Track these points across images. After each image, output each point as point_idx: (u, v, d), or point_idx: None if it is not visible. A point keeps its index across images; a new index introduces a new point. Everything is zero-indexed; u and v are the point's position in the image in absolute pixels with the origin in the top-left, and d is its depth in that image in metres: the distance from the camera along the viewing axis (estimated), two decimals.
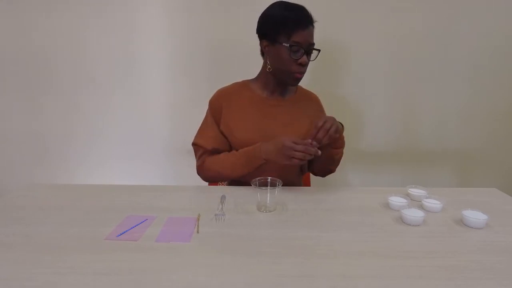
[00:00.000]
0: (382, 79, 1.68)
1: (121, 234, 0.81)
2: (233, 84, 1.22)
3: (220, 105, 1.17)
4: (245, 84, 1.21)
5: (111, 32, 1.66)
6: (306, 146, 0.99)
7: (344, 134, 1.14)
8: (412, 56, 1.65)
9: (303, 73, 1.10)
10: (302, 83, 1.22)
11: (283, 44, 1.05)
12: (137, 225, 0.86)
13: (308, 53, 1.08)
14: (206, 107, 1.22)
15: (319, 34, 1.60)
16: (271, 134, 1.12)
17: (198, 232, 0.83)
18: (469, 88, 1.69)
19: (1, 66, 1.72)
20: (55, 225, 0.86)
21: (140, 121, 1.77)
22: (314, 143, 1.00)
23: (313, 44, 1.09)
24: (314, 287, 0.63)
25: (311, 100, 1.26)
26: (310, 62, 1.10)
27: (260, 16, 1.12)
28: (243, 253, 0.74)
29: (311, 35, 1.07)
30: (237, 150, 1.14)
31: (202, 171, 1.18)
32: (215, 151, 1.17)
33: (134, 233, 0.82)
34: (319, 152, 1.00)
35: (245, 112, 1.16)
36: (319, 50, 1.11)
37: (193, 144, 1.20)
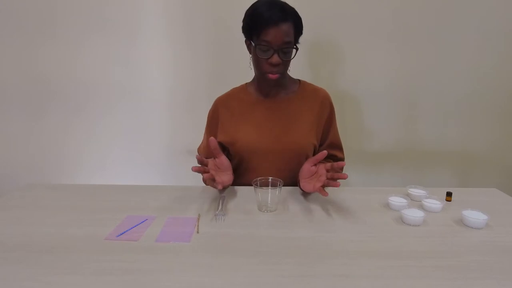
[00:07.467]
0: (383, 79, 1.68)
1: (121, 234, 0.81)
2: (231, 89, 1.22)
3: (217, 115, 1.19)
4: (243, 88, 1.21)
5: (110, 34, 1.66)
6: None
7: (345, 134, 1.14)
8: (413, 56, 1.65)
9: (276, 73, 1.04)
10: (304, 80, 1.22)
11: (255, 43, 1.02)
12: (137, 225, 0.86)
13: (281, 52, 1.01)
14: (206, 107, 1.23)
15: (320, 33, 1.59)
16: (271, 137, 1.12)
17: (198, 232, 0.83)
18: (469, 88, 1.69)
19: (1, 70, 1.72)
20: (55, 225, 0.86)
21: (140, 122, 1.77)
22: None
23: (288, 42, 1.01)
24: (314, 287, 0.63)
25: (317, 97, 1.18)
26: (294, 60, 1.05)
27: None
28: (243, 253, 0.74)
29: (284, 34, 0.99)
30: (240, 156, 1.14)
31: None
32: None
33: (134, 233, 0.82)
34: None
35: (244, 117, 1.16)
36: (296, 48, 1.04)
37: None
